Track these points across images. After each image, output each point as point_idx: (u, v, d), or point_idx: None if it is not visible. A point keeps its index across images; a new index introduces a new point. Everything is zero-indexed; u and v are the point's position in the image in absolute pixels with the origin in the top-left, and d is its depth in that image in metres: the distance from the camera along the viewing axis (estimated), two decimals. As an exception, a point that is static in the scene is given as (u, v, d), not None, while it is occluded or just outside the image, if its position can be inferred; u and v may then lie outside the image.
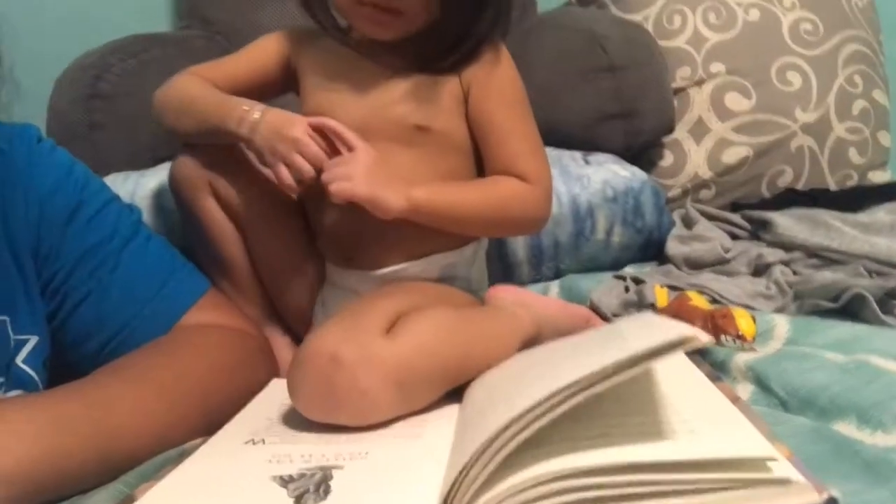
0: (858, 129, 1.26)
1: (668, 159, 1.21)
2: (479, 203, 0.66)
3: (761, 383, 0.60)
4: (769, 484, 0.35)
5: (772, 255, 0.92)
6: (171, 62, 1.06)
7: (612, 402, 0.41)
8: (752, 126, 1.21)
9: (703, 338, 0.37)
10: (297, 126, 0.63)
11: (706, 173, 1.20)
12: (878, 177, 1.28)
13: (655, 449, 0.37)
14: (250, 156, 0.70)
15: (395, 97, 0.66)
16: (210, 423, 0.53)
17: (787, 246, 0.93)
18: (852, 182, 1.26)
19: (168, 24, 1.32)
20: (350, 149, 0.63)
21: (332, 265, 0.72)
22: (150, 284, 0.64)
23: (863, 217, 0.95)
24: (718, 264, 0.94)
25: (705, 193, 1.21)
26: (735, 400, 0.47)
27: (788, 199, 1.12)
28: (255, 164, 0.71)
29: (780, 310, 0.80)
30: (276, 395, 0.58)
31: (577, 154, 1.05)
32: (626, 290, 0.86)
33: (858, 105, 1.27)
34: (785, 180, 1.22)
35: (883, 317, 0.74)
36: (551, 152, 1.03)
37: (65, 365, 0.61)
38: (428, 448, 0.46)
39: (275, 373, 0.66)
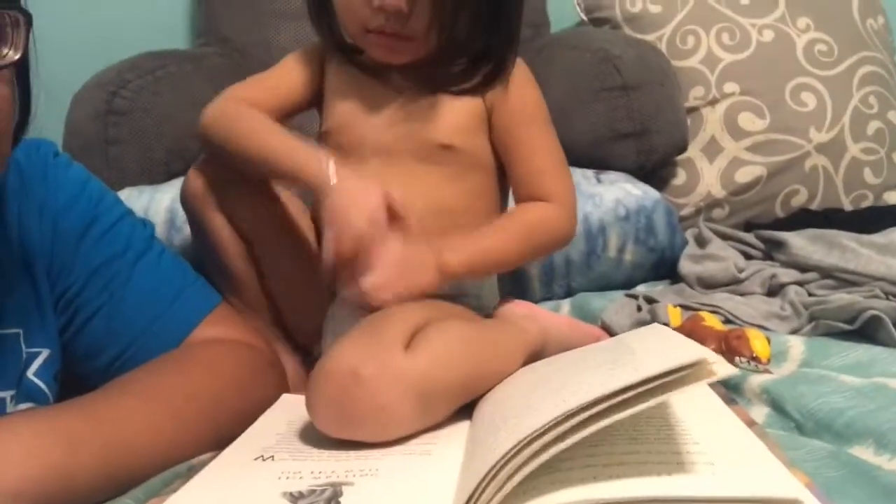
0: (873, 150, 1.25)
1: (680, 178, 1.21)
2: (511, 243, 0.67)
3: (776, 406, 0.59)
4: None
5: (786, 275, 0.91)
6: (188, 79, 1.07)
7: (626, 426, 0.40)
8: (765, 146, 1.21)
9: (723, 370, 0.37)
10: (363, 213, 0.60)
11: (719, 192, 1.20)
12: (894, 197, 1.27)
13: (674, 483, 0.36)
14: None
15: (420, 116, 0.67)
16: (219, 439, 0.53)
17: (802, 266, 0.92)
18: (867, 202, 1.25)
19: (185, 41, 1.34)
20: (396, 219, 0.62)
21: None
22: (162, 299, 0.64)
23: (878, 238, 0.94)
24: (732, 284, 0.93)
25: (718, 213, 1.21)
26: (751, 424, 0.46)
27: (802, 219, 1.12)
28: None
29: (794, 331, 0.79)
30: (285, 410, 0.58)
31: (590, 172, 1.05)
32: (639, 309, 0.85)
33: (873, 126, 1.26)
34: (799, 200, 1.21)
35: (900, 339, 0.73)
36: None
37: (75, 378, 0.61)
38: (438, 465, 0.45)
39: (285, 388, 0.65)
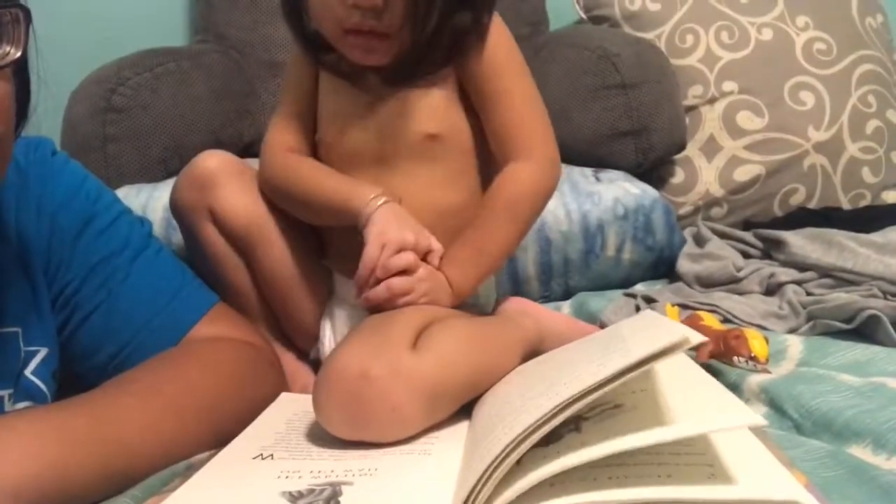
0: (872, 149, 1.25)
1: (679, 177, 1.21)
2: (504, 232, 0.66)
3: (775, 405, 0.59)
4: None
5: (784, 274, 0.91)
6: (186, 76, 1.07)
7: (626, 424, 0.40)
8: (764, 144, 1.21)
9: (695, 338, 0.37)
10: (408, 225, 0.63)
11: (718, 191, 1.20)
12: (893, 196, 1.27)
13: (672, 485, 0.36)
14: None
15: (400, 113, 0.66)
16: (219, 437, 0.53)
17: (800, 266, 0.92)
18: (866, 201, 1.25)
19: (183, 38, 1.33)
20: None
21: (341, 278, 0.72)
22: (160, 296, 0.64)
23: (876, 237, 0.94)
24: (730, 283, 0.93)
25: (717, 211, 1.21)
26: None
27: (801, 218, 1.12)
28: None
29: (792, 330, 0.79)
30: (284, 409, 0.58)
31: (588, 171, 1.04)
32: (637, 308, 0.85)
33: (872, 125, 1.26)
34: (798, 199, 1.21)
35: (898, 339, 0.73)
36: (562, 169, 1.04)
37: (73, 376, 0.61)
38: (437, 464, 0.45)
39: (283, 386, 0.66)
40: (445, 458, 0.46)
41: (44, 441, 0.44)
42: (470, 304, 0.70)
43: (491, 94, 0.66)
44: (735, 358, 0.65)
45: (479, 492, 0.36)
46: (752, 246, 1.02)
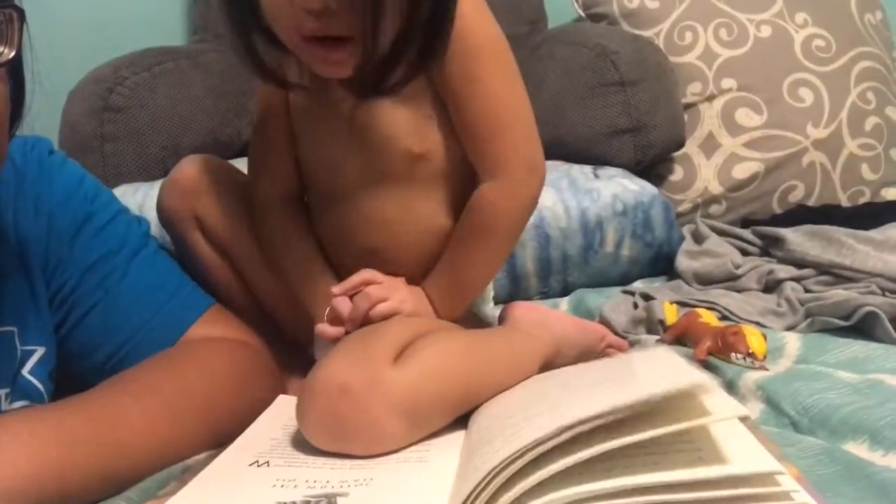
0: (871, 146, 1.25)
1: (677, 174, 1.21)
2: (484, 259, 0.64)
3: (772, 402, 0.59)
4: (778, 498, 0.35)
5: (783, 271, 0.91)
6: (184, 75, 1.07)
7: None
8: (762, 141, 1.20)
9: (712, 385, 0.37)
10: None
11: (716, 188, 1.20)
12: (892, 193, 1.27)
13: (663, 471, 0.36)
14: None
15: (378, 128, 0.61)
16: (216, 437, 0.53)
17: (799, 263, 0.92)
18: (865, 198, 1.25)
19: (182, 38, 1.33)
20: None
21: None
22: (157, 296, 0.64)
23: (875, 234, 0.94)
24: (728, 280, 0.93)
25: (715, 208, 1.20)
26: (743, 419, 0.46)
27: (800, 215, 1.12)
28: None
29: (790, 327, 0.79)
30: (281, 413, 0.58)
31: (587, 168, 1.05)
32: (635, 306, 0.85)
33: (871, 121, 1.26)
34: (796, 196, 1.21)
35: (896, 336, 0.73)
36: (561, 166, 1.04)
37: (70, 376, 0.61)
38: (432, 474, 0.45)
39: (281, 388, 0.65)
40: (441, 467, 0.46)
41: (40, 441, 0.44)
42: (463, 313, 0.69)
43: (458, 98, 0.60)
44: (733, 354, 0.65)
45: (475, 500, 0.36)
46: (751, 243, 1.02)
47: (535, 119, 0.64)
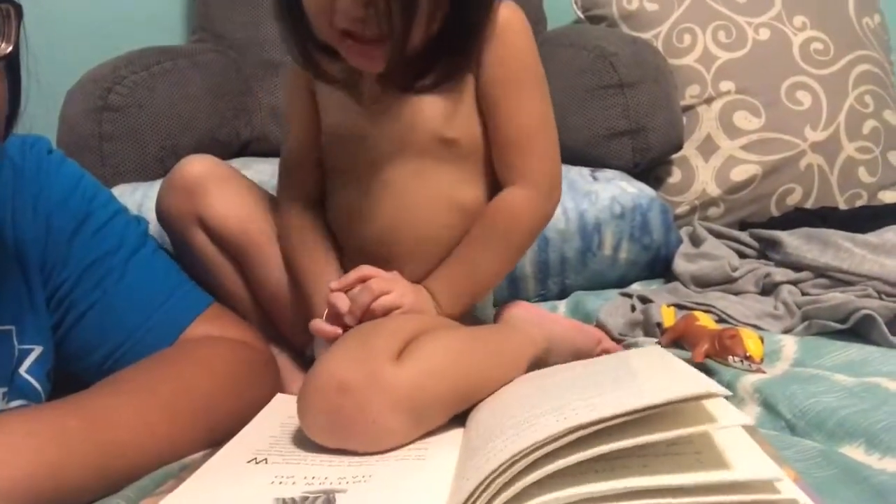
0: (868, 149, 1.26)
1: (676, 176, 1.21)
2: (496, 261, 0.66)
3: (768, 405, 0.59)
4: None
5: (780, 274, 0.91)
6: (183, 75, 1.07)
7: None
8: (760, 144, 1.21)
9: (722, 391, 0.37)
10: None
11: (714, 191, 1.20)
12: (889, 196, 1.27)
13: (662, 474, 0.36)
14: None
15: (410, 116, 0.64)
16: (214, 437, 0.53)
17: (796, 266, 0.93)
18: (862, 201, 1.25)
19: (180, 37, 1.33)
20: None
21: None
22: (156, 295, 0.64)
23: (872, 238, 0.94)
24: (726, 283, 0.93)
25: (713, 211, 1.21)
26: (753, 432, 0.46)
27: (797, 218, 1.12)
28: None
29: (787, 330, 0.79)
30: (279, 411, 0.58)
31: (586, 170, 1.05)
32: (633, 308, 0.85)
33: (869, 125, 1.26)
34: (794, 199, 1.21)
35: (892, 339, 0.73)
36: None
37: (68, 375, 0.61)
38: (431, 471, 0.45)
39: (279, 386, 0.65)
40: (439, 465, 0.46)
41: (37, 441, 0.44)
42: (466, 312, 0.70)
43: (498, 104, 0.64)
44: (730, 358, 0.65)
45: (476, 500, 0.36)
46: (748, 246, 1.02)
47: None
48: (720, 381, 0.63)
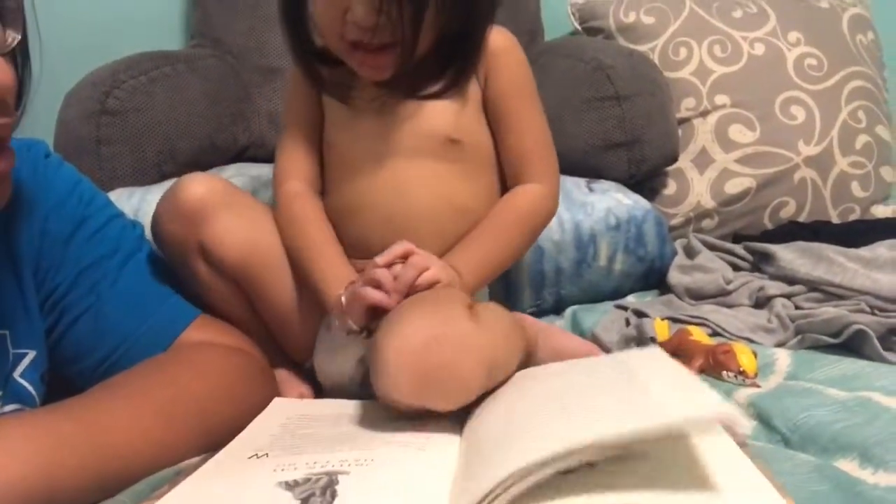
0: (861, 164, 1.27)
1: (671, 188, 1.22)
2: (513, 241, 0.70)
3: (763, 419, 0.59)
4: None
5: (773, 287, 0.92)
6: (181, 80, 1.07)
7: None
8: (755, 158, 1.22)
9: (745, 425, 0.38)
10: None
11: (709, 203, 1.21)
12: (881, 211, 1.29)
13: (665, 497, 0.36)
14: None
15: (414, 120, 0.67)
16: (209, 442, 0.53)
17: (789, 279, 0.93)
18: (855, 215, 1.26)
19: (179, 42, 1.33)
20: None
21: None
22: (151, 300, 0.64)
23: (864, 252, 0.95)
24: (720, 296, 0.93)
25: (707, 223, 1.21)
26: (743, 445, 0.46)
27: (790, 231, 1.13)
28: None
29: (781, 344, 0.79)
30: (279, 413, 0.58)
31: (581, 181, 1.05)
32: (628, 322, 0.85)
33: (861, 140, 1.27)
34: (788, 212, 1.22)
35: (885, 354, 0.73)
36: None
37: (63, 379, 0.60)
38: (431, 459, 0.46)
39: (276, 393, 0.65)
40: (440, 456, 0.46)
41: (32, 445, 0.44)
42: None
43: (509, 116, 0.70)
44: (724, 373, 0.66)
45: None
46: (742, 258, 1.03)
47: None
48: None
